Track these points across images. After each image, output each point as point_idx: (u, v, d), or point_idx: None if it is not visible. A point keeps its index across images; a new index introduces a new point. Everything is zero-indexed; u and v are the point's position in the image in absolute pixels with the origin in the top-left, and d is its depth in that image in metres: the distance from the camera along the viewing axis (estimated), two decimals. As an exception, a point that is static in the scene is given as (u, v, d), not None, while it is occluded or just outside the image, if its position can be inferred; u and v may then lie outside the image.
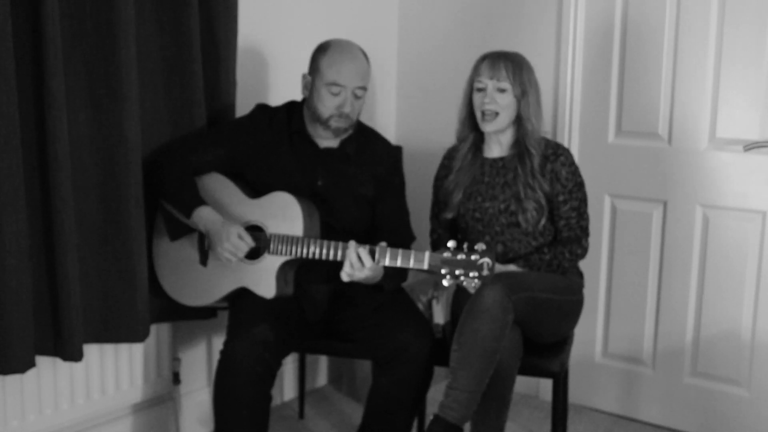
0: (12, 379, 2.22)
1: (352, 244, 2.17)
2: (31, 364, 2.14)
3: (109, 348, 2.45)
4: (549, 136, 2.58)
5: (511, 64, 2.34)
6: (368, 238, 2.36)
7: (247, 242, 2.23)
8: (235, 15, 2.53)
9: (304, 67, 2.42)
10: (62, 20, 2.11)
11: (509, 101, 2.35)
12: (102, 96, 2.21)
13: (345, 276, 2.17)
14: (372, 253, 2.15)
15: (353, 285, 2.40)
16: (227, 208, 2.33)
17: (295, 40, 2.86)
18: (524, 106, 2.35)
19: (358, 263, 2.15)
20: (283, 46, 2.88)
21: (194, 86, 2.42)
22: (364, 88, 2.35)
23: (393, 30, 3.40)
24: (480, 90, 2.37)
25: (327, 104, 2.32)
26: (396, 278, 2.36)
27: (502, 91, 2.34)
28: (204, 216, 2.27)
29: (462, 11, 3.22)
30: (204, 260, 2.35)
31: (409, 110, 3.42)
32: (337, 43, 2.36)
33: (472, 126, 2.44)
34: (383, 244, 2.18)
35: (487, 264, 2.05)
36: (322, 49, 2.36)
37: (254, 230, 2.29)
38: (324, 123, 2.35)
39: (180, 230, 2.35)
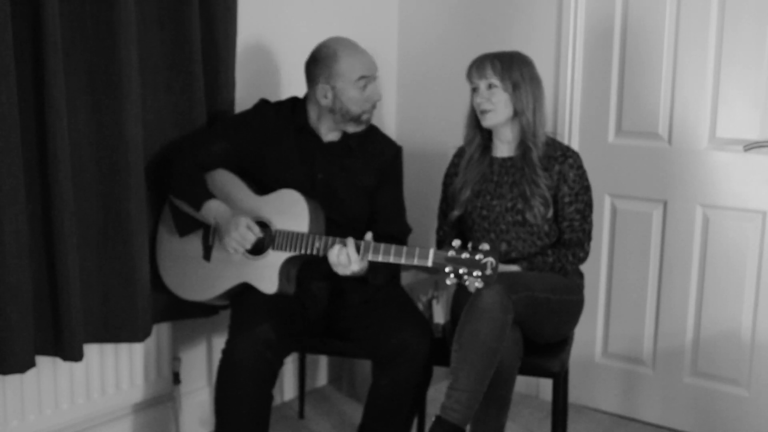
0: (12, 379, 2.22)
1: (349, 240, 2.19)
2: (31, 364, 2.15)
3: (109, 348, 2.45)
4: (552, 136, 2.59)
5: (498, 61, 2.36)
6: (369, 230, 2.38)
7: (255, 232, 2.24)
8: (235, 15, 2.54)
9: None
10: (62, 20, 2.11)
11: (501, 97, 2.37)
12: (102, 96, 2.21)
13: (339, 270, 2.21)
14: (357, 248, 2.18)
15: (351, 282, 2.40)
16: (235, 203, 2.34)
17: (295, 40, 2.85)
18: (517, 100, 2.37)
19: (345, 258, 2.18)
20: (283, 46, 2.88)
21: (195, 86, 2.42)
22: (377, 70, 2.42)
23: (393, 30, 3.40)
24: (474, 91, 2.41)
25: (359, 100, 2.35)
26: (381, 273, 2.36)
27: (492, 87, 2.36)
28: (214, 208, 2.29)
29: (462, 11, 3.22)
30: (207, 255, 2.35)
31: (410, 109, 3.42)
32: (337, 43, 2.37)
33: (477, 128, 2.47)
34: (368, 237, 2.20)
35: (491, 264, 2.05)
36: (330, 56, 2.35)
37: (260, 226, 2.29)
38: (357, 119, 2.38)
39: (189, 225, 2.36)
